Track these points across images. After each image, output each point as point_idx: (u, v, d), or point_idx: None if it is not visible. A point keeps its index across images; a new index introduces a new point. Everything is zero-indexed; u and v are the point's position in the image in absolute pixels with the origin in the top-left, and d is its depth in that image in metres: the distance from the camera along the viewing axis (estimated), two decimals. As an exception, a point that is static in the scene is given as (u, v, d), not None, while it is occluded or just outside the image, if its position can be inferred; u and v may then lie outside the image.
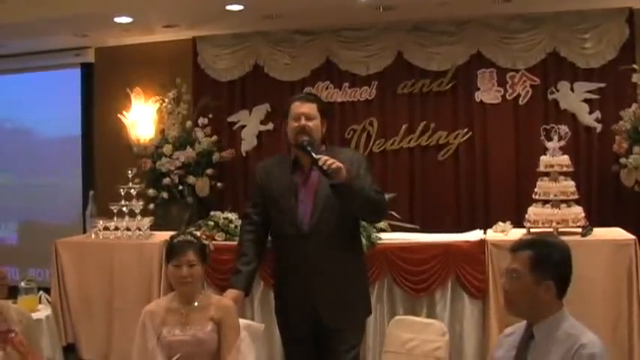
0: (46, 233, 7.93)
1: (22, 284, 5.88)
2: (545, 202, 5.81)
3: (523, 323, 3.19)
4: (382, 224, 5.90)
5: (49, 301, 6.23)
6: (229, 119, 8.44)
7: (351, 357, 4.29)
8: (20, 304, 5.24)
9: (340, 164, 4.03)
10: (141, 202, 6.67)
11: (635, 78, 7.05)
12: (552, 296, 3.04)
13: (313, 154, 4.11)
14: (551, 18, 7.46)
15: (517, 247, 3.15)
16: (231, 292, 4.32)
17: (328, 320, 4.23)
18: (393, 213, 5.74)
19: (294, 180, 4.30)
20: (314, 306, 4.23)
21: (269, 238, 4.49)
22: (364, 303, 4.47)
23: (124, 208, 6.51)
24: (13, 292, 5.22)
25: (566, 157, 5.89)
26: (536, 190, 5.87)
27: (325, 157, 4.06)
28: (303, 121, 4.28)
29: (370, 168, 4.44)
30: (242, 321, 4.38)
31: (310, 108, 4.35)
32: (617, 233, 5.89)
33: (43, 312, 5.92)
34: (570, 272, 3.10)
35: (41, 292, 6.18)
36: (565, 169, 5.84)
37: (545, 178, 5.86)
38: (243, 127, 8.38)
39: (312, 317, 4.25)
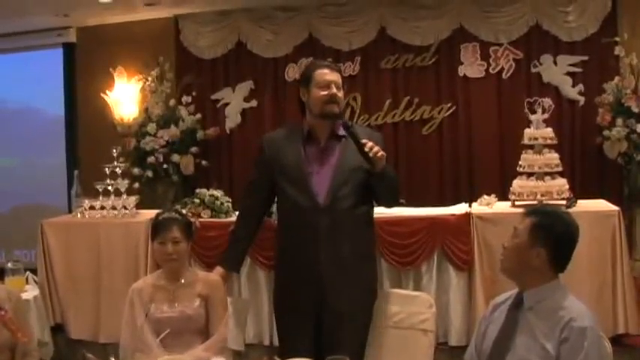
0: (31, 214, 7.89)
1: (9, 265, 5.88)
2: (529, 174, 5.83)
3: (514, 292, 3.21)
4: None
5: (36, 282, 6.22)
6: (213, 97, 8.42)
7: (357, 342, 4.11)
8: (7, 285, 5.23)
9: (384, 153, 3.90)
10: (126, 181, 6.66)
11: (617, 50, 7.09)
12: (543, 264, 3.06)
13: (356, 134, 3.94)
14: (533, -10, 7.46)
15: (528, 212, 3.22)
16: (219, 269, 4.31)
17: (333, 300, 4.06)
18: None
19: (307, 151, 4.10)
20: (320, 284, 4.06)
21: (274, 211, 4.41)
22: (371, 286, 4.28)
23: (110, 187, 6.50)
24: (-1, 274, 5.22)
25: (549, 129, 5.90)
26: (520, 162, 5.88)
27: (371, 143, 3.90)
28: (334, 90, 4.06)
29: (385, 149, 4.19)
30: (229, 297, 4.41)
31: (338, 77, 4.13)
32: (601, 205, 5.95)
33: (30, 292, 5.92)
34: (570, 249, 3.13)
35: (28, 273, 6.17)
36: (549, 141, 5.85)
37: (530, 151, 5.88)
38: (227, 104, 8.37)
39: (317, 296, 4.08)
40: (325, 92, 4.05)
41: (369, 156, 3.87)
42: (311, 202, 4.03)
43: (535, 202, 5.62)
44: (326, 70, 4.12)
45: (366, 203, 4.17)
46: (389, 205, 4.57)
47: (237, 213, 4.63)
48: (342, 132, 4.10)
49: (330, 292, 4.06)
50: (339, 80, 4.13)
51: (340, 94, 4.11)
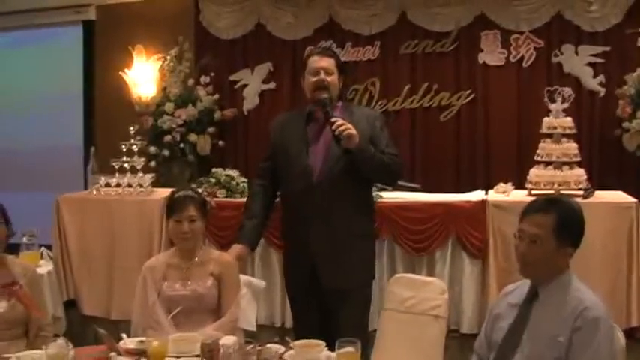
0: (47, 189, 7.89)
1: (24, 240, 5.90)
2: (547, 163, 5.80)
3: (525, 281, 3.18)
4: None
5: (50, 257, 6.25)
6: (231, 78, 8.38)
7: (354, 322, 4.21)
8: (22, 260, 5.25)
9: (353, 132, 4.00)
10: (142, 159, 6.68)
11: (640, 42, 7.03)
12: (567, 260, 3.04)
13: (330, 115, 4.09)
14: (557, -21, 7.39)
15: (537, 208, 3.11)
16: (236, 247, 4.33)
17: (326, 279, 4.19)
18: None
19: (307, 132, 4.26)
20: (312, 263, 4.20)
21: (277, 194, 4.48)
22: (367, 266, 4.40)
23: (126, 165, 6.52)
24: (14, 248, 5.23)
25: (569, 119, 5.87)
26: (538, 151, 5.86)
27: (340, 122, 4.03)
28: (322, 75, 4.24)
29: (386, 126, 4.39)
30: (243, 277, 4.42)
31: (329, 62, 4.29)
32: (619, 196, 5.91)
33: (44, 267, 5.95)
34: (583, 234, 3.10)
35: (43, 248, 6.20)
36: (568, 131, 5.82)
37: (548, 140, 5.85)
38: (245, 85, 8.34)
39: (312, 275, 4.22)
40: (314, 78, 4.26)
41: (336, 135, 4.01)
42: (304, 180, 4.17)
43: (552, 192, 5.60)
44: (316, 57, 4.32)
45: (362, 183, 4.29)
46: (385, 185, 4.70)
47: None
48: (338, 114, 4.21)
49: (323, 269, 4.19)
50: (331, 65, 4.29)
51: (331, 78, 4.26)
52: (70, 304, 6.41)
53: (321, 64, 4.27)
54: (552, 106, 5.92)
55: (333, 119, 4.05)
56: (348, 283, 4.22)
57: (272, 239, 5.82)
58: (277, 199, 4.49)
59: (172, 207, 4.11)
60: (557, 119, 5.84)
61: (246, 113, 8.33)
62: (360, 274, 4.33)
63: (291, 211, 4.34)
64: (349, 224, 4.21)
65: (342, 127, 4.00)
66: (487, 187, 6.26)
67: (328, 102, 4.18)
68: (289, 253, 4.45)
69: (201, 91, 8.09)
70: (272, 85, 8.23)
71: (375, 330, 4.25)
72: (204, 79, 8.13)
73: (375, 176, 4.39)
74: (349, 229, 4.21)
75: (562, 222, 3.02)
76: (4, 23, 9.17)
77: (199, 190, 5.06)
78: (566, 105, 5.93)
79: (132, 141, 6.58)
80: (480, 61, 7.60)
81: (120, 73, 8.19)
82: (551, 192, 5.60)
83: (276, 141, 4.37)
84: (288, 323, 5.90)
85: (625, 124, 6.88)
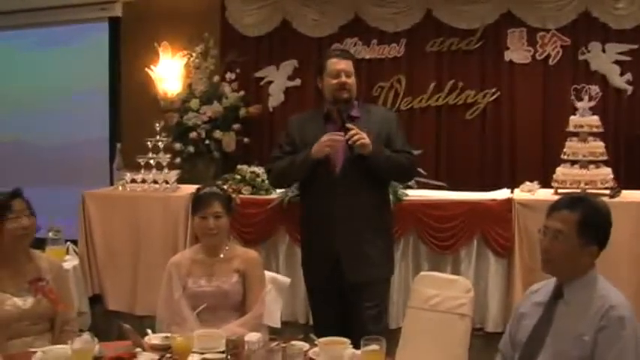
0: (73, 185, 7.94)
1: (50, 235, 5.93)
2: (573, 162, 5.77)
3: (550, 280, 3.16)
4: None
5: (76, 252, 6.29)
6: (257, 75, 8.38)
7: (374, 314, 4.38)
8: (48, 255, 5.28)
9: (366, 141, 4.19)
10: (168, 156, 6.71)
11: (668, 40, 6.98)
12: (593, 259, 3.02)
13: (345, 123, 4.25)
14: (583, -23, 7.33)
15: (562, 205, 3.08)
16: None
17: (349, 273, 4.33)
18: (420, 170, 5.71)
19: (327, 130, 4.35)
20: (337, 257, 4.33)
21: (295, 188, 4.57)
22: (387, 261, 4.56)
23: (151, 161, 6.55)
24: (40, 243, 5.26)
25: (596, 117, 5.83)
26: (564, 150, 5.83)
27: (354, 131, 4.19)
28: (343, 78, 4.38)
29: (402, 127, 4.58)
30: (267, 274, 4.43)
31: (348, 64, 4.44)
32: (646, 196, 5.86)
33: (70, 262, 5.97)
34: (609, 235, 3.07)
35: (68, 243, 6.23)
36: (594, 129, 5.78)
37: (574, 139, 5.82)
38: (271, 82, 8.34)
39: (334, 269, 4.34)
40: (335, 81, 4.40)
41: (349, 144, 4.22)
42: (327, 174, 4.33)
43: (578, 190, 5.56)
44: (335, 60, 4.47)
45: (381, 180, 4.48)
46: (400, 182, 4.92)
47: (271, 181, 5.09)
48: (355, 113, 4.43)
49: (347, 264, 4.34)
50: (349, 68, 4.46)
51: (350, 80, 4.43)
52: (95, 300, 6.44)
53: (341, 66, 4.42)
54: (579, 105, 5.89)
55: (347, 126, 4.22)
56: (370, 276, 4.38)
57: (297, 236, 5.82)
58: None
59: (198, 203, 4.14)
60: (584, 118, 5.81)
61: (271, 110, 8.33)
62: (382, 268, 4.51)
63: (314, 205, 4.47)
64: (371, 219, 4.39)
65: (356, 137, 4.18)
66: (512, 186, 6.23)
67: (343, 109, 4.35)
68: (311, 248, 4.58)
69: (226, 88, 8.10)
70: (297, 82, 8.22)
71: (400, 328, 4.24)
72: (229, 75, 8.14)
73: (390, 177, 4.62)
74: (371, 222, 4.39)
75: (586, 220, 2.99)
76: (31, 20, 9.24)
77: (224, 187, 5.07)
78: (592, 103, 5.89)
79: (157, 137, 6.60)
80: (506, 59, 7.55)
81: (146, 69, 8.23)
82: (578, 191, 5.57)
83: (296, 139, 4.49)
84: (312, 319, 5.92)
85: (653, 123, 6.84)
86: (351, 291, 4.37)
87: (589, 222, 3.00)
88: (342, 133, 4.25)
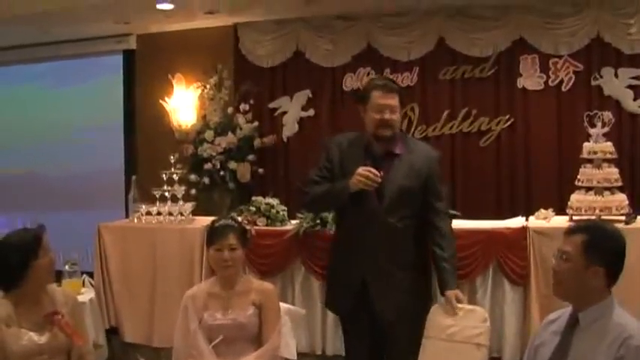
0: (88, 217, 7.97)
1: (66, 268, 5.95)
2: (588, 189, 5.75)
3: (568, 309, 3.15)
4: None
5: (92, 285, 6.30)
6: (270, 105, 8.42)
7: (407, 352, 4.14)
8: (64, 288, 5.30)
9: None
10: (183, 187, 6.73)
11: (681, 64, 6.97)
12: (601, 283, 3.00)
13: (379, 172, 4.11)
14: (595, 2, 7.30)
15: (572, 229, 3.10)
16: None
17: (379, 307, 4.21)
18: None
19: (366, 163, 4.17)
20: (366, 290, 4.22)
21: (329, 220, 4.48)
22: (421, 296, 4.34)
23: (167, 193, 6.57)
24: (56, 276, 5.27)
25: (609, 143, 5.82)
26: (579, 176, 5.81)
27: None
28: (387, 115, 4.18)
29: (441, 174, 4.49)
30: (283, 305, 4.41)
31: (394, 100, 4.22)
32: (662, 221, 5.83)
33: (86, 295, 5.99)
34: (623, 262, 3.05)
35: (85, 276, 6.25)
36: (609, 155, 5.76)
37: (589, 165, 5.80)
38: (285, 113, 8.37)
39: (365, 302, 4.22)
40: (378, 117, 4.18)
41: None
42: (372, 204, 4.16)
43: (593, 217, 5.54)
44: (381, 93, 4.21)
45: (415, 217, 4.27)
46: None
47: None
48: (398, 150, 4.24)
49: (375, 298, 4.19)
50: (395, 103, 4.22)
51: (395, 116, 4.23)
52: (112, 332, 6.44)
53: (387, 101, 4.19)
54: (592, 131, 5.88)
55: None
56: (402, 312, 4.22)
57: (313, 267, 5.81)
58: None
59: (213, 236, 4.14)
60: (598, 144, 5.79)
61: (285, 140, 8.36)
62: (416, 305, 4.27)
63: (352, 235, 4.29)
64: (404, 254, 4.24)
65: None
66: (527, 213, 6.21)
67: (386, 144, 4.22)
68: (340, 279, 4.40)
69: (240, 119, 8.14)
70: (311, 112, 8.25)
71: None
72: (243, 106, 8.18)
73: None
74: (403, 260, 4.24)
75: (592, 240, 3.00)
76: (48, 53, 9.34)
77: (239, 219, 5.08)
78: (606, 129, 5.88)
79: (172, 170, 6.63)
80: (519, 86, 7.57)
81: (160, 101, 8.28)
82: (593, 217, 5.55)
83: (335, 165, 4.31)
84: (329, 351, 5.89)
85: (667, 148, 6.82)
86: (381, 326, 4.24)
87: (594, 243, 3.00)
88: (380, 173, 4.10)
